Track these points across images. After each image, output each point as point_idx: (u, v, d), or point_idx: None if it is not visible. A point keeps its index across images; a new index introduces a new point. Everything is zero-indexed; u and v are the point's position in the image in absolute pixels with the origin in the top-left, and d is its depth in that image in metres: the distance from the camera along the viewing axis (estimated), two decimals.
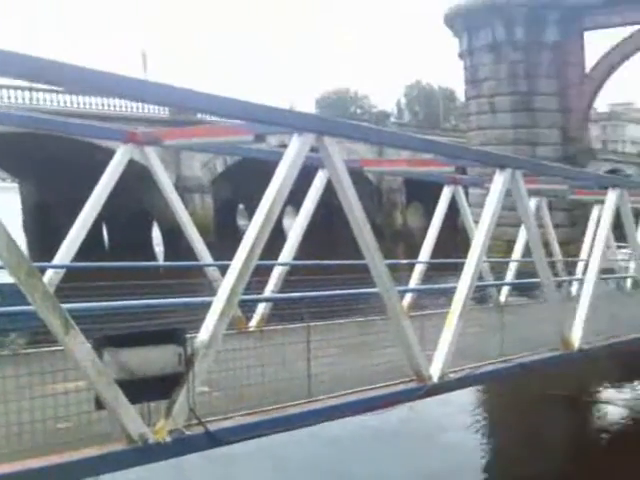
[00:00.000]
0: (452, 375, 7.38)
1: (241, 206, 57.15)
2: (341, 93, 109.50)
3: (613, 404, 13.32)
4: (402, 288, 9.48)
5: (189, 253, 9.89)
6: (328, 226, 24.98)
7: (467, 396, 11.69)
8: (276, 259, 9.49)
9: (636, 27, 26.30)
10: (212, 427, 5.32)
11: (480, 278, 9.73)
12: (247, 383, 5.82)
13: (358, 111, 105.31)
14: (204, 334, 5.46)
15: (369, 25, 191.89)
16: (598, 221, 11.80)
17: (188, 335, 5.35)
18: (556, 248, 14.11)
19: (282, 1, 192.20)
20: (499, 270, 13.38)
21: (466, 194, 14.37)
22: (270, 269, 9.41)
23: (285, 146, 6.33)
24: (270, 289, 9.26)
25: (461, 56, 30.13)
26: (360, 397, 6.55)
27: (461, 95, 36.15)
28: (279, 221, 28.45)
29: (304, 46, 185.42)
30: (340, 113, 76.14)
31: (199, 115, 33.23)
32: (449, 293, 7.97)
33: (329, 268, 10.02)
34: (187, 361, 5.17)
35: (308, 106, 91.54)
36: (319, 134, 6.38)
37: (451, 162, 10.06)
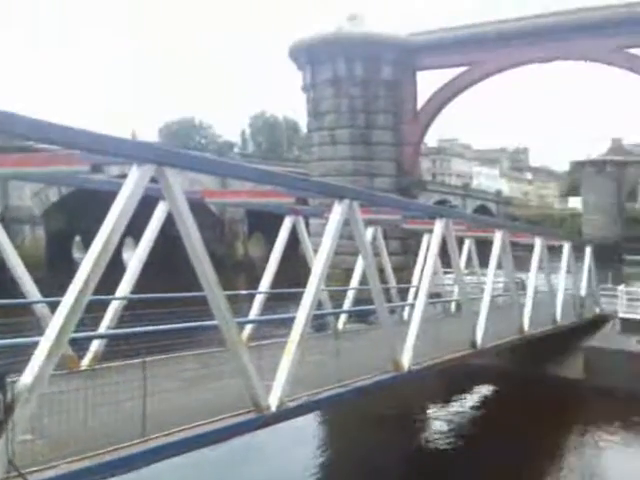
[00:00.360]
0: (290, 403, 7.49)
1: (78, 238, 54.33)
2: (186, 122, 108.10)
3: (439, 420, 14.19)
4: (241, 319, 9.49)
5: (14, 289, 9.25)
6: (170, 257, 24.43)
7: (307, 420, 11.88)
8: (114, 293, 9.14)
9: (463, 68, 28.62)
10: (34, 478, 4.99)
11: (319, 306, 9.97)
12: (75, 427, 5.52)
13: (203, 141, 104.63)
14: (28, 377, 5.13)
15: (217, 54, 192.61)
16: (428, 249, 12.59)
17: (9, 379, 5.01)
18: (390, 275, 14.79)
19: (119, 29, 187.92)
20: (338, 298, 13.77)
21: (307, 224, 14.75)
22: (106, 304, 9.05)
23: (126, 176, 6.20)
24: (105, 325, 8.88)
25: (304, 89, 30.99)
26: (197, 432, 6.46)
27: (304, 127, 37.12)
28: (118, 253, 27.49)
29: (150, 73, 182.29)
30: (184, 143, 75.16)
31: (31, 142, 31.32)
32: (289, 322, 8.10)
33: (169, 301, 9.81)
34: (7, 408, 4.84)
35: (151, 135, 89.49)
36: (159, 165, 6.32)
37: (291, 193, 10.30)
